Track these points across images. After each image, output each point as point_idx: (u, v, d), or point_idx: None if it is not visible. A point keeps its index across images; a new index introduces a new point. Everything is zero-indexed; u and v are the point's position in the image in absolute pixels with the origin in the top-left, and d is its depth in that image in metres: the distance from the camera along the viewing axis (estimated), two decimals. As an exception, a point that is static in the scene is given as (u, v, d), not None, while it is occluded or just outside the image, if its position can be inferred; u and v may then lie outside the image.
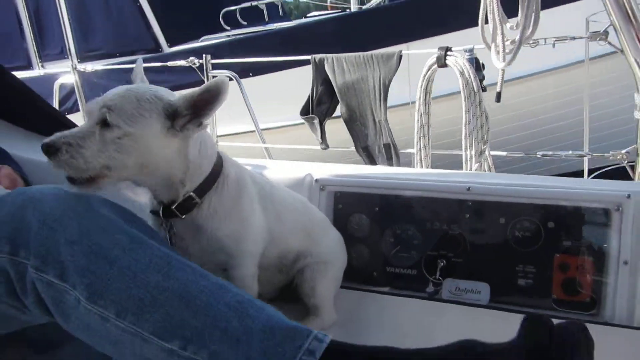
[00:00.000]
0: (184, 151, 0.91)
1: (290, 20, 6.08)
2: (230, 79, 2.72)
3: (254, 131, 3.15)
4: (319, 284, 1.10)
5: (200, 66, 2.96)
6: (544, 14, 1.26)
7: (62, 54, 6.34)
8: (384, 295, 1.22)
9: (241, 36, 4.86)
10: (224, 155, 1.01)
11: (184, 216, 0.94)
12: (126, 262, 0.78)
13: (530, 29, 1.11)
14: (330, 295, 1.13)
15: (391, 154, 2.30)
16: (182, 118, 0.88)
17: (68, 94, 5.43)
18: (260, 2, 5.51)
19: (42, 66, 6.54)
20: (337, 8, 10.98)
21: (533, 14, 1.07)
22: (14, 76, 1.72)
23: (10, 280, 0.80)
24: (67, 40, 6.22)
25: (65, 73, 5.17)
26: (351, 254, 1.28)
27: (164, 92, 0.91)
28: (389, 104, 2.32)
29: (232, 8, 5.45)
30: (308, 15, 10.07)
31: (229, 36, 5.21)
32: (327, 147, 2.45)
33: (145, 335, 0.75)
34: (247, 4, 5.48)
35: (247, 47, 4.39)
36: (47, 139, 0.84)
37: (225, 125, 3.47)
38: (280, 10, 5.90)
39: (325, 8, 11.35)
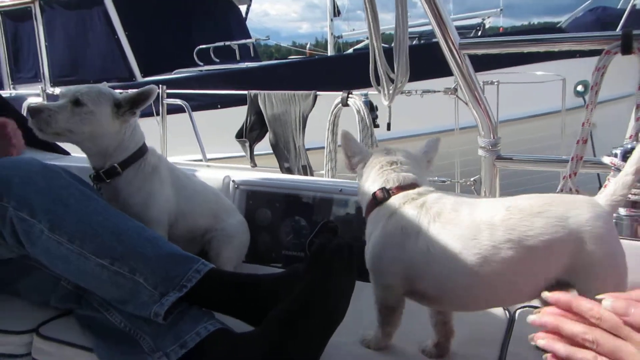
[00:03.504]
0: (120, 132, 1.39)
1: (260, 60, 6.73)
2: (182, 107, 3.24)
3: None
4: (223, 251, 1.54)
5: (157, 95, 3.47)
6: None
7: (35, 78, 6.84)
8: (280, 269, 1.66)
9: (210, 71, 5.43)
10: (151, 148, 1.49)
11: (108, 180, 1.39)
12: (77, 207, 1.21)
13: (402, 79, 1.67)
14: (232, 262, 1.56)
15: (307, 174, 2.82)
16: (123, 108, 1.38)
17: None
18: (232, 42, 6.15)
19: (14, 88, 6.98)
20: (315, 54, 11.81)
21: (404, 70, 1.62)
22: None
23: None
24: (42, 65, 6.73)
25: (34, 95, 5.58)
26: (257, 240, 1.72)
27: (114, 91, 1.42)
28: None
29: (206, 46, 6.08)
30: (288, 57, 10.83)
31: (200, 71, 5.79)
32: (255, 165, 2.97)
33: (86, 254, 1.16)
34: (221, 44, 6.11)
35: (215, 82, 4.95)
36: (33, 104, 1.31)
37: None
38: (251, 51, 6.54)
39: (305, 54, 12.19)
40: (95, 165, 1.42)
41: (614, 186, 0.93)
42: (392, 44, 1.71)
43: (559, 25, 5.66)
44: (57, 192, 1.23)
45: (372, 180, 1.10)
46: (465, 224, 0.95)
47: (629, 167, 0.92)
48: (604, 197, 0.93)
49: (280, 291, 1.10)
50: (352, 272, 1.09)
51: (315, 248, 1.08)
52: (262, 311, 1.07)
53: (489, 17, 9.51)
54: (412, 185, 1.07)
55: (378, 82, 1.83)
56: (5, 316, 1.28)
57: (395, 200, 1.04)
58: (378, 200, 1.07)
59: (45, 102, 1.36)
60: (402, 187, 1.06)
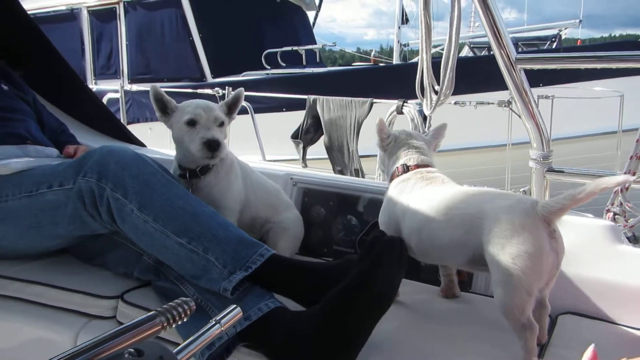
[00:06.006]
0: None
1: (325, 66, 6.96)
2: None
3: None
4: (280, 241, 1.71)
5: (223, 96, 3.77)
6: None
7: (115, 75, 7.43)
8: (329, 264, 1.82)
9: (277, 75, 5.71)
10: None
11: (202, 176, 1.61)
12: (163, 191, 1.42)
13: (447, 91, 1.77)
14: (287, 252, 1.72)
15: (359, 177, 2.97)
16: (225, 115, 1.62)
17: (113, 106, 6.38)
18: (300, 48, 6.42)
19: (95, 83, 7.62)
20: (380, 61, 11.89)
21: (450, 83, 1.73)
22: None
23: (94, 196, 1.46)
24: (122, 63, 7.30)
25: (113, 91, 6.07)
26: (310, 235, 1.89)
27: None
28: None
29: (274, 50, 6.38)
30: (352, 64, 10.98)
31: (267, 74, 6.09)
32: (306, 165, 3.17)
33: (168, 233, 1.36)
34: (288, 49, 6.39)
35: (281, 85, 5.20)
36: (212, 138, 1.52)
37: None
38: (317, 57, 6.78)
39: (369, 60, 12.31)
40: (191, 166, 1.62)
41: (563, 195, 1.00)
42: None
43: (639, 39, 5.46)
44: (147, 177, 1.44)
45: (398, 157, 1.44)
46: (429, 194, 1.28)
47: (589, 186, 0.96)
48: (545, 200, 1.04)
49: (335, 277, 1.23)
50: (402, 264, 1.23)
51: (369, 240, 1.23)
52: (317, 294, 1.21)
53: (566, 28, 9.23)
54: (426, 166, 1.39)
55: (423, 93, 1.95)
56: (95, 283, 1.51)
57: (409, 174, 1.38)
58: (399, 172, 1.41)
59: (211, 133, 1.55)
60: (418, 166, 1.40)
